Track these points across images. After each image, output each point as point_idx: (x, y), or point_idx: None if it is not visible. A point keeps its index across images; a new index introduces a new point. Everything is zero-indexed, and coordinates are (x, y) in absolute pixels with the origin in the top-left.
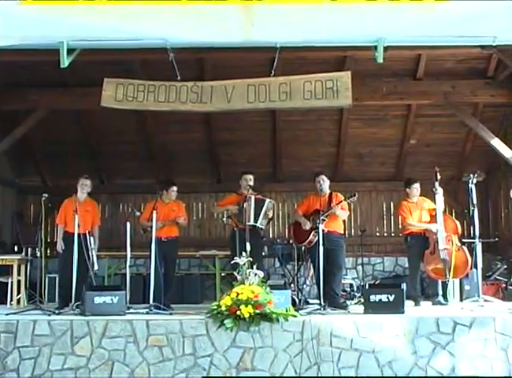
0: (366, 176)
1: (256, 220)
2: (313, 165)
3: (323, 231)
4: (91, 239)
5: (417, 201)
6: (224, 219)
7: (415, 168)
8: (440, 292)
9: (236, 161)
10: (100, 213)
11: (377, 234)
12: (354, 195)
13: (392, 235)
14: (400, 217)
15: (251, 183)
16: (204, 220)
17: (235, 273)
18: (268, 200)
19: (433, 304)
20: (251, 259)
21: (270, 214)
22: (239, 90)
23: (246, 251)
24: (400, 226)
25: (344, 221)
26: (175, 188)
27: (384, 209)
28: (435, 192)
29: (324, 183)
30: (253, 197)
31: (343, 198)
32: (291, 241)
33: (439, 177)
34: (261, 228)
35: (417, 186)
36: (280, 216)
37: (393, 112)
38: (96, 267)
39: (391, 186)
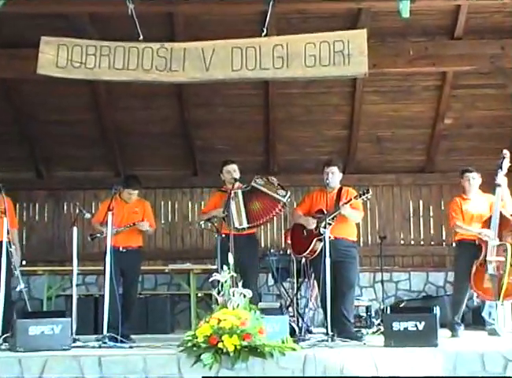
0: (387, 166)
1: (249, 222)
2: (316, 153)
3: (329, 237)
4: (11, 247)
5: (475, 197)
6: (202, 222)
7: (451, 156)
8: (495, 318)
9: (216, 147)
10: (24, 214)
11: (402, 242)
12: (368, 191)
13: (421, 243)
14: (448, 216)
15: (236, 176)
16: (175, 224)
17: (215, 293)
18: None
19: (489, 334)
20: (244, 275)
21: None
22: (220, 55)
23: (237, 264)
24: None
25: (357, 225)
26: (135, 192)
27: (411, 209)
28: (497, 185)
29: (334, 176)
30: (239, 192)
31: (354, 194)
32: (288, 251)
33: (506, 164)
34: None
35: (471, 176)
36: (274, 220)
37: (422, 82)
38: (22, 285)
39: (420, 179)
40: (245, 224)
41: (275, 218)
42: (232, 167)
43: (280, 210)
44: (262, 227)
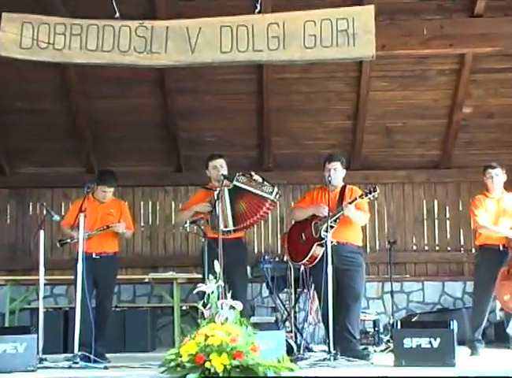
0: (397, 161)
1: (236, 224)
2: (317, 146)
3: (331, 242)
4: None
5: (500, 196)
6: (186, 225)
7: (470, 150)
8: None
9: (204, 139)
10: None
11: (414, 247)
12: (375, 190)
13: (436, 249)
14: (471, 216)
15: (224, 172)
16: (156, 227)
17: (201, 306)
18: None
19: None
20: (231, 284)
21: None
22: (207, 35)
23: (224, 272)
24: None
25: (363, 228)
26: (110, 189)
27: (424, 210)
28: None
29: (336, 172)
30: (226, 190)
31: (359, 193)
32: (284, 258)
33: None
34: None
35: (493, 173)
36: (268, 220)
37: (438, 66)
38: None
39: (434, 176)
40: (231, 226)
41: (269, 219)
42: (219, 162)
43: (269, 209)
44: (255, 230)
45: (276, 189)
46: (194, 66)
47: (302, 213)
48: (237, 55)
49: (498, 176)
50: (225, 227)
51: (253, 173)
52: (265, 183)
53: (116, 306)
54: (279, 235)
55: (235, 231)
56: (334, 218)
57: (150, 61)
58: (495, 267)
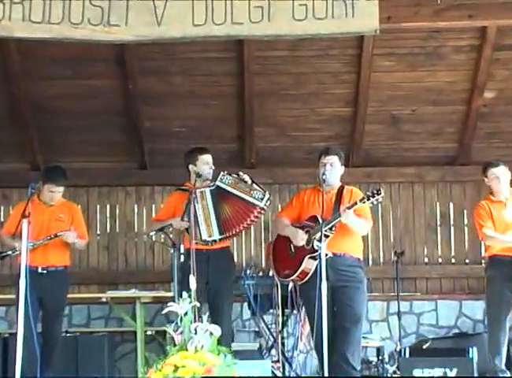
0: (405, 156)
1: (222, 232)
2: (308, 138)
3: (326, 254)
4: None
5: (508, 198)
6: (152, 233)
7: (492, 142)
8: None
9: (173, 130)
10: None
11: (425, 259)
12: (379, 193)
13: (452, 261)
14: (476, 226)
15: (211, 170)
16: (116, 235)
17: (170, 330)
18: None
19: None
20: (215, 305)
21: None
22: (177, 4)
23: (205, 290)
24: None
25: (365, 238)
26: (59, 189)
27: (438, 214)
28: None
29: (333, 169)
30: (208, 191)
31: (360, 196)
32: (270, 273)
33: None
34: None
35: (498, 172)
36: (251, 227)
37: (454, 41)
38: None
39: (450, 174)
40: (216, 235)
41: (250, 230)
42: (207, 157)
43: (257, 217)
44: (235, 239)
45: (267, 194)
46: (161, 42)
47: (282, 230)
48: (212, 29)
49: (504, 175)
50: (209, 236)
51: (241, 173)
52: (255, 186)
53: (66, 331)
54: (263, 246)
55: (221, 240)
56: (330, 226)
57: (108, 35)
58: (510, 281)
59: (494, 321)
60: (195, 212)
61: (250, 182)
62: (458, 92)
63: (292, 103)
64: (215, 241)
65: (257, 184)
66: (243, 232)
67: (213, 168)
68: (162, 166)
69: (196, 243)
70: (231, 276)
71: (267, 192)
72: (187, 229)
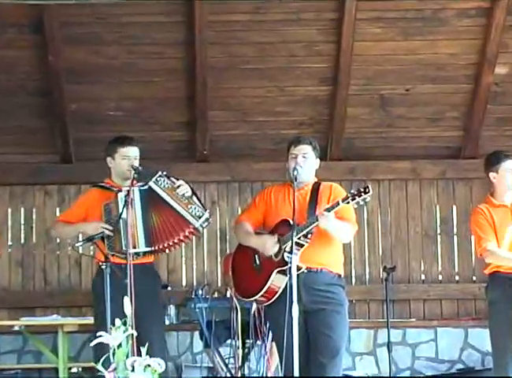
0: (397, 147)
1: (149, 244)
2: (276, 124)
3: (299, 269)
4: None
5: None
6: (78, 244)
7: (506, 130)
8: None
9: (103, 114)
10: None
11: (422, 276)
12: (366, 191)
13: (456, 278)
14: (474, 238)
15: (137, 163)
16: (32, 247)
17: (101, 367)
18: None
19: None
20: (143, 331)
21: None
22: None
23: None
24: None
25: (346, 247)
26: None
27: (438, 219)
28: None
29: (306, 162)
30: (137, 191)
31: (343, 194)
32: (228, 292)
33: None
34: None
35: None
36: (203, 235)
37: (459, 3)
38: None
39: (453, 169)
40: (142, 247)
41: (204, 234)
42: (133, 150)
43: (187, 237)
44: (182, 250)
45: (207, 214)
46: (90, 2)
47: (244, 238)
48: None
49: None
50: (134, 247)
51: (183, 182)
52: (195, 200)
53: None
54: (219, 259)
55: (148, 253)
56: (303, 232)
57: None
58: None
59: (500, 353)
60: (119, 216)
61: (189, 193)
62: (463, 67)
63: (256, 80)
64: (138, 254)
65: (198, 199)
66: (193, 242)
67: (137, 166)
68: (92, 159)
69: (112, 255)
70: (159, 297)
71: (208, 211)
72: (103, 238)
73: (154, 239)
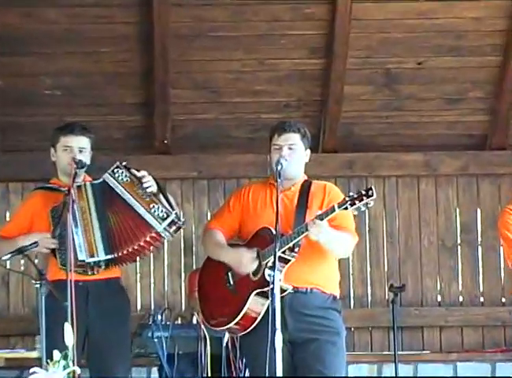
0: (406, 136)
1: (110, 250)
2: (255, 107)
3: (284, 290)
4: None
5: None
6: (5, 257)
7: None
8: None
9: (38, 93)
10: None
11: (438, 298)
12: (369, 194)
13: (481, 300)
14: (502, 247)
15: (84, 157)
16: None
17: None
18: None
19: None
20: (102, 366)
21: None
22: None
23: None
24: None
25: (343, 264)
26: None
27: (458, 226)
28: None
29: (294, 153)
30: (89, 187)
31: (340, 197)
32: (194, 318)
33: None
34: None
35: None
36: (164, 246)
37: None
38: None
39: (478, 163)
40: (102, 254)
41: (164, 245)
42: (77, 139)
43: (151, 244)
44: (136, 265)
45: (173, 215)
46: None
47: (214, 250)
48: None
49: None
50: (91, 255)
51: (146, 174)
52: (161, 197)
53: None
54: (183, 275)
55: (108, 264)
56: (289, 244)
57: None
58: None
59: None
60: (68, 219)
61: (154, 189)
62: (490, 34)
63: (229, 51)
64: (99, 265)
65: (165, 197)
66: (150, 256)
67: (82, 159)
68: (21, 151)
69: (68, 270)
70: (126, 322)
71: (175, 212)
72: (54, 249)
73: (115, 245)
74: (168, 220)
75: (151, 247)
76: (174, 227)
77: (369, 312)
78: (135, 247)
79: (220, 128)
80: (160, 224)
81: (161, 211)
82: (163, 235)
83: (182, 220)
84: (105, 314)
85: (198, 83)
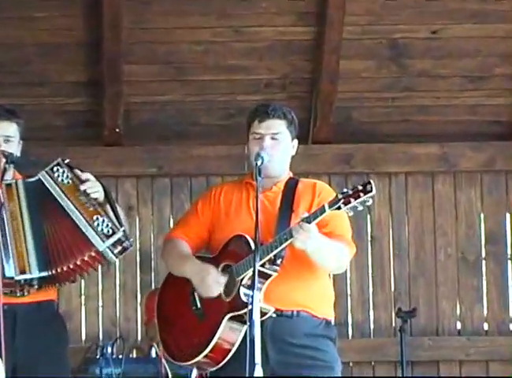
0: (418, 121)
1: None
2: (228, 86)
3: (265, 313)
4: None
5: None
6: None
7: None
8: None
9: None
10: None
11: (457, 325)
12: (366, 189)
13: (510, 327)
14: None
15: (12, 149)
16: None
17: None
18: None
19: None
20: None
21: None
22: None
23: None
24: None
25: (338, 279)
26: None
27: (482, 236)
28: None
29: (277, 145)
30: (21, 185)
31: (331, 195)
32: (153, 350)
33: None
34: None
35: None
36: (116, 265)
37: None
38: None
39: (507, 156)
40: (35, 271)
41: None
42: (2, 126)
43: (89, 265)
44: (80, 285)
45: (120, 233)
46: None
47: (175, 265)
48: None
49: None
50: (22, 271)
51: (92, 178)
52: (108, 209)
53: None
54: (139, 297)
55: (42, 283)
56: (270, 255)
57: None
58: None
59: None
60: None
61: (100, 196)
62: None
63: (197, 17)
64: (31, 284)
65: (113, 208)
66: (98, 273)
67: (12, 152)
68: None
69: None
70: (62, 356)
71: (123, 229)
72: None
73: (52, 259)
74: (114, 239)
75: (89, 268)
76: (119, 248)
77: (371, 342)
78: (71, 266)
79: (184, 113)
80: (103, 241)
81: (106, 226)
82: (105, 255)
83: (130, 240)
84: (36, 346)
85: (157, 56)
